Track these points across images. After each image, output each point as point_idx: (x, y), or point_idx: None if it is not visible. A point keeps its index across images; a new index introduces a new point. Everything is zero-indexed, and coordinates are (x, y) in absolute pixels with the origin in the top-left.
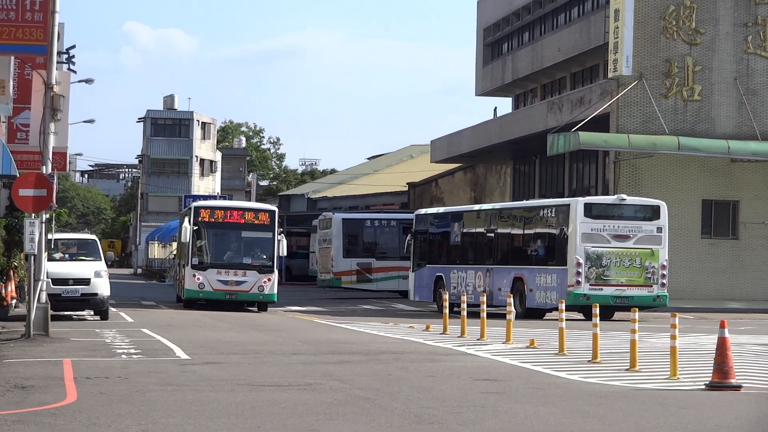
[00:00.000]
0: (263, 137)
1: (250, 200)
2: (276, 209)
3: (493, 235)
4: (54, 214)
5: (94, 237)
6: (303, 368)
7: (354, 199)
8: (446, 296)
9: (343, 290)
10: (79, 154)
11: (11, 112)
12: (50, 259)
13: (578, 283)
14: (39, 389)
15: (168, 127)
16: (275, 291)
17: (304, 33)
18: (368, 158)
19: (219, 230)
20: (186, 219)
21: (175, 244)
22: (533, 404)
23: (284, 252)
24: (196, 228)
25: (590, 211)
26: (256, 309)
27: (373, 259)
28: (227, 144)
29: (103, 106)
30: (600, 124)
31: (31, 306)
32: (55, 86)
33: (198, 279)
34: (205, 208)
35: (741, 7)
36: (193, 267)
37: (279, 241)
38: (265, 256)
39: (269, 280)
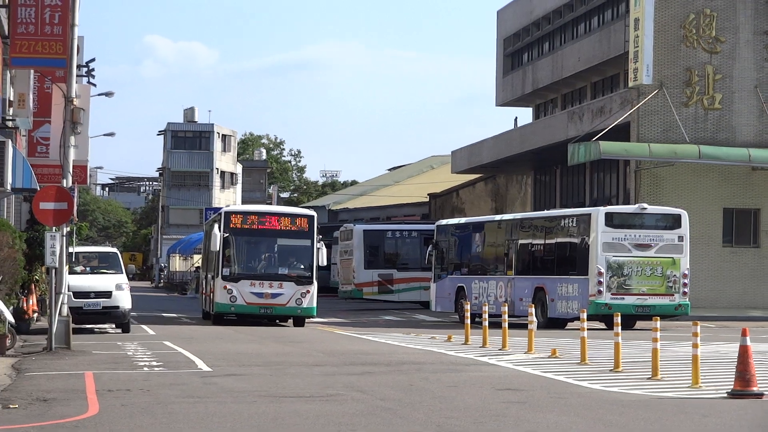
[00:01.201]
0: (284, 149)
1: None
2: (315, 214)
3: (514, 245)
4: (75, 228)
5: (114, 250)
6: (325, 379)
7: (375, 210)
8: (468, 306)
9: (365, 301)
10: (100, 168)
11: (31, 125)
12: (71, 272)
13: (600, 292)
14: (61, 402)
15: (188, 139)
16: (314, 304)
17: (324, 45)
18: (389, 169)
19: (252, 238)
20: (215, 226)
21: (197, 257)
22: (555, 413)
23: (324, 261)
24: (226, 235)
25: (611, 220)
26: (291, 324)
27: (395, 270)
28: (248, 156)
29: (123, 119)
30: (620, 133)
31: (52, 319)
32: (75, 99)
33: (230, 292)
34: (237, 213)
35: (761, 15)
36: (224, 278)
37: (318, 249)
38: (303, 266)
39: (308, 292)
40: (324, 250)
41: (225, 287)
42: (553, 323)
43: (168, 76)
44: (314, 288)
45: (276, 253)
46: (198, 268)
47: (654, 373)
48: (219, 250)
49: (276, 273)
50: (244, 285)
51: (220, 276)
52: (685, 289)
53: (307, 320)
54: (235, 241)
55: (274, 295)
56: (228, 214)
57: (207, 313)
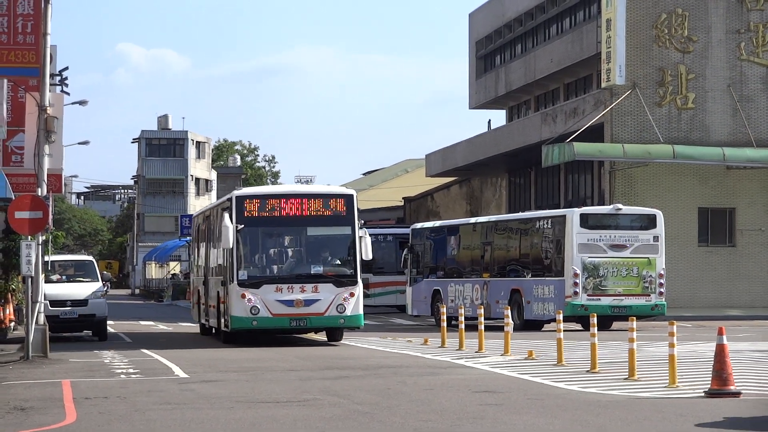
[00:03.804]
0: (258, 155)
1: None
2: (354, 193)
3: (489, 247)
4: (51, 237)
5: (90, 258)
6: (301, 384)
7: None
8: (444, 310)
9: None
10: (75, 176)
11: (5, 135)
12: (47, 281)
13: (576, 293)
14: (38, 410)
15: (162, 147)
16: (361, 311)
17: (297, 50)
18: (363, 174)
19: (275, 228)
20: (225, 216)
21: (173, 264)
22: (532, 415)
23: (369, 253)
24: (241, 227)
25: (586, 221)
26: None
27: (370, 275)
28: (222, 163)
29: (97, 128)
30: (594, 134)
31: (29, 328)
32: (48, 108)
33: (249, 301)
34: (253, 197)
35: (733, 14)
36: (241, 284)
37: (361, 237)
38: (343, 262)
39: (352, 295)
40: (368, 239)
41: (243, 296)
42: (529, 325)
43: (141, 83)
44: (359, 290)
45: (306, 246)
46: (175, 275)
47: (631, 374)
48: (233, 247)
49: (308, 273)
50: (267, 291)
51: (235, 281)
52: (661, 289)
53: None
54: (253, 234)
55: (308, 302)
56: (241, 198)
57: (207, 327)
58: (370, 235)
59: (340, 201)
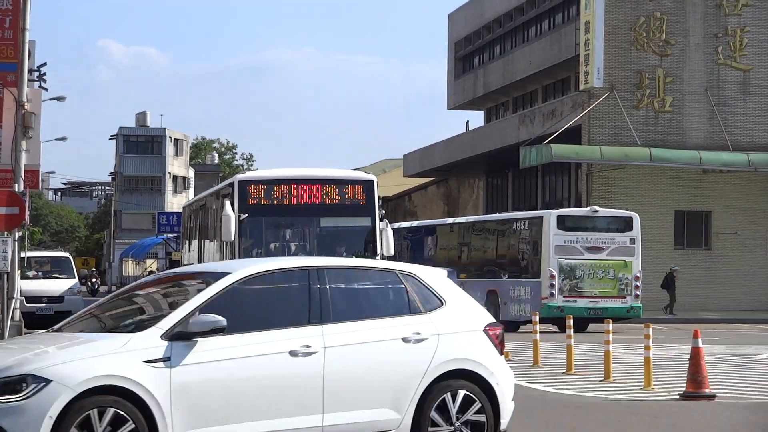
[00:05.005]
0: (236, 153)
1: None
2: (374, 179)
3: (466, 248)
4: (28, 233)
5: (67, 254)
6: None
7: None
8: None
9: None
10: (52, 172)
11: None
12: (23, 277)
13: (552, 295)
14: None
15: (140, 144)
16: None
17: (276, 50)
18: None
19: (283, 219)
20: (226, 203)
21: (149, 261)
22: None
23: (391, 249)
24: (244, 217)
25: (563, 223)
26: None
27: None
28: (200, 160)
29: (75, 124)
30: (572, 136)
31: (4, 324)
32: (26, 104)
33: None
34: (258, 182)
35: (711, 18)
36: None
37: (382, 230)
38: (360, 257)
39: None
40: (390, 232)
41: None
42: (505, 326)
43: (120, 80)
44: None
45: (319, 239)
46: (151, 272)
47: (606, 376)
48: (235, 240)
49: None
50: None
51: None
52: (637, 292)
53: None
54: (258, 224)
55: None
56: (244, 184)
57: None
58: None
59: (359, 187)
